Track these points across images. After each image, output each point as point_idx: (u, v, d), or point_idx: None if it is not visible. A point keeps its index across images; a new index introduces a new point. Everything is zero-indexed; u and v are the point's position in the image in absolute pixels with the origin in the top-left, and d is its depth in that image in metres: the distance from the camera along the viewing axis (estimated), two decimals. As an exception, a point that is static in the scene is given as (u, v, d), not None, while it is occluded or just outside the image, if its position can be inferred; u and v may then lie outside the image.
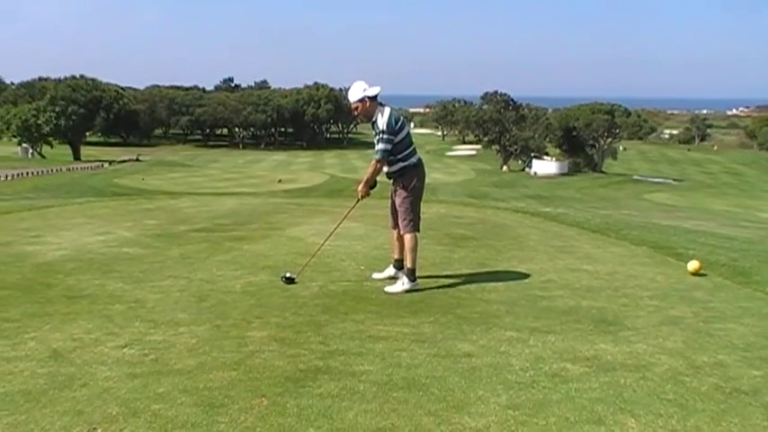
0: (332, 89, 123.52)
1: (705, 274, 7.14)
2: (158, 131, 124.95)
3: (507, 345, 4.75)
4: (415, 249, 6.35)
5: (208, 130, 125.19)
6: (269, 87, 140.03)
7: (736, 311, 5.80)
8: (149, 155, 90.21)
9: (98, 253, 7.78)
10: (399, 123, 6.21)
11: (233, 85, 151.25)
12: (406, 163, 6.31)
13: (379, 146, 6.20)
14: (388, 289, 6.28)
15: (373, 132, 6.30)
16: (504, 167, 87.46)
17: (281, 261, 7.39)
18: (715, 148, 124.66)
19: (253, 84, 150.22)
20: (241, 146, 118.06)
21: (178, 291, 6.12)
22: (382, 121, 6.18)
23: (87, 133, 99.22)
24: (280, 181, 52.37)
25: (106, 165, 72.11)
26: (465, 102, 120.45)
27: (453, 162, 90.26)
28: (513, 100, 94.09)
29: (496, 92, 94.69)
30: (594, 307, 5.81)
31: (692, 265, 7.17)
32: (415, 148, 6.40)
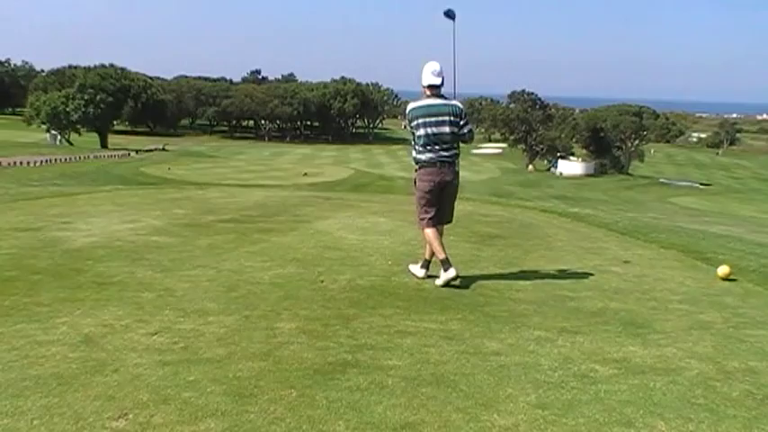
0: (358, 84, 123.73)
1: (735, 280, 7.07)
2: (185, 122, 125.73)
3: (536, 344, 4.73)
4: (431, 241, 6.43)
5: (234, 122, 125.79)
6: (296, 80, 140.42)
7: (767, 318, 5.73)
8: (175, 145, 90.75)
9: (127, 241, 7.85)
10: (417, 119, 6.29)
11: (260, 77, 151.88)
12: (416, 156, 6.41)
13: None
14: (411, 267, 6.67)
15: None
16: (530, 167, 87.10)
17: (308, 254, 7.41)
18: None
19: (280, 77, 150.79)
20: (266, 138, 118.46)
21: (207, 280, 6.16)
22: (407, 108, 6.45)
23: (115, 122, 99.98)
24: (305, 174, 52.52)
25: (133, 153, 72.60)
26: (492, 100, 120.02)
27: (479, 160, 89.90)
28: (540, 99, 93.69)
29: (524, 91, 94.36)
30: (623, 309, 5.77)
31: (722, 270, 7.10)
32: (434, 148, 6.30)
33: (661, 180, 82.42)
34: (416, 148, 6.37)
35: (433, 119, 6.26)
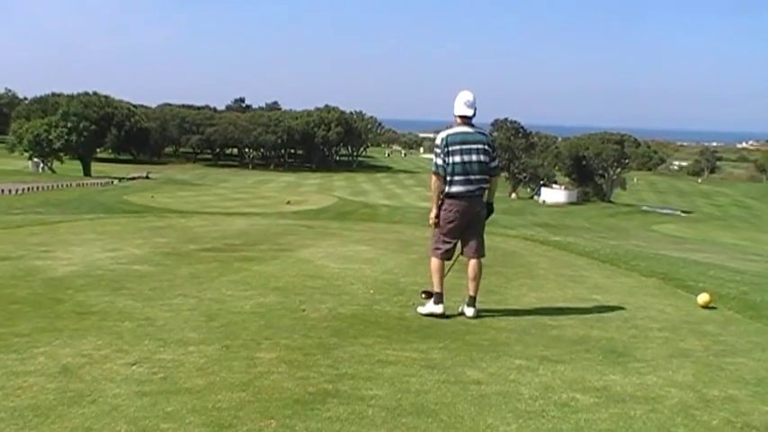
0: (342, 112, 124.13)
1: (715, 308, 7.10)
2: (168, 150, 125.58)
3: (517, 373, 4.73)
4: (433, 272, 6.34)
5: (218, 150, 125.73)
6: (280, 109, 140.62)
7: (747, 346, 5.76)
8: (159, 173, 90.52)
9: (108, 269, 7.81)
10: (451, 146, 6.13)
11: (244, 105, 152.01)
12: (446, 188, 6.19)
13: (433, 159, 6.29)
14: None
15: None
16: (513, 194, 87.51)
17: (290, 283, 7.40)
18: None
19: (264, 105, 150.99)
20: (250, 166, 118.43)
21: (188, 310, 6.13)
22: (439, 135, 6.27)
23: (98, 150, 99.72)
24: (289, 202, 52.49)
25: (116, 181, 72.39)
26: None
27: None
28: (523, 127, 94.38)
29: (507, 119, 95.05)
30: (604, 337, 5.79)
31: (702, 297, 7.14)
32: (468, 178, 6.14)
33: (643, 207, 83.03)
34: (446, 177, 6.15)
35: (467, 146, 6.15)
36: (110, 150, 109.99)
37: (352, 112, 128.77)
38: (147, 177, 79.93)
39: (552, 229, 45.40)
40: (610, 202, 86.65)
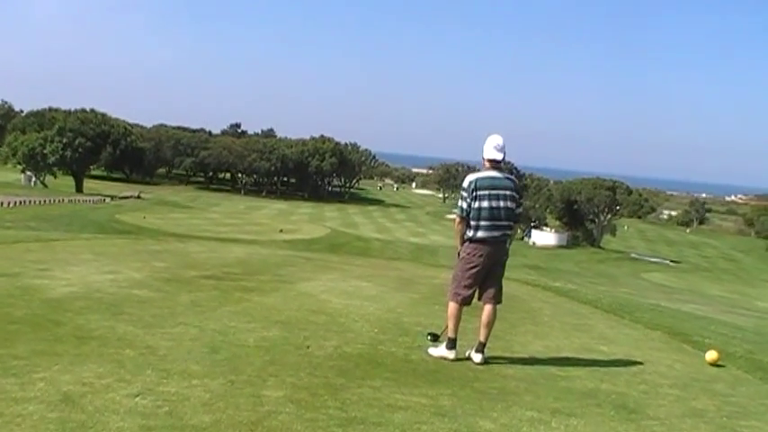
0: (337, 143, 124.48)
1: (723, 366, 7.01)
2: (161, 170, 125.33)
3: (529, 425, 4.61)
4: (450, 317, 6.20)
5: (211, 173, 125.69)
6: (275, 136, 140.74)
7: (759, 408, 5.67)
8: (151, 193, 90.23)
9: (107, 293, 7.66)
10: (480, 190, 6.00)
11: (240, 130, 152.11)
12: (470, 233, 6.10)
13: (458, 202, 6.16)
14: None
15: None
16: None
17: (293, 317, 7.26)
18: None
19: (260, 131, 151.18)
20: (243, 191, 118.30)
21: (190, 340, 5.98)
22: (467, 177, 6.14)
23: (91, 166, 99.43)
24: (281, 231, 52.40)
25: (108, 199, 72.11)
26: (468, 167, 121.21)
27: (454, 225, 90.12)
28: (516, 168, 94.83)
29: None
30: (614, 392, 5.68)
31: (711, 355, 7.05)
32: (495, 224, 6.04)
33: (632, 255, 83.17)
34: (472, 221, 6.05)
35: (496, 192, 6.04)
36: (103, 168, 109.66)
37: (347, 144, 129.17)
38: (138, 197, 79.61)
39: (542, 272, 45.41)
40: (599, 247, 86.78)
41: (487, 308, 6.23)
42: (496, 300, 6.27)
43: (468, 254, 6.12)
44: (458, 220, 6.17)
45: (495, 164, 6.16)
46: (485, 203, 6.01)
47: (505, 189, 6.10)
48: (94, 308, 6.81)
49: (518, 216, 6.26)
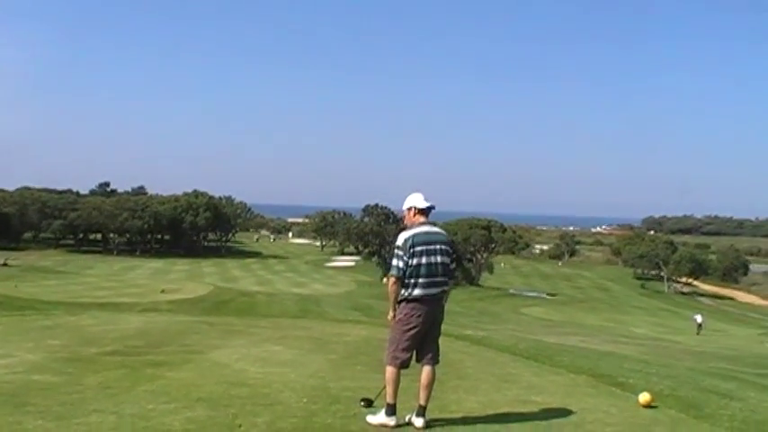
0: (211, 197, 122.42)
1: (656, 407, 7.03)
2: (28, 235, 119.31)
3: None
4: (389, 382, 5.92)
5: (81, 235, 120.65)
6: (146, 193, 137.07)
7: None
8: (18, 259, 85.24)
9: (3, 381, 7.04)
10: (416, 246, 5.81)
11: (109, 189, 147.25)
12: (405, 292, 5.88)
13: (392, 261, 5.89)
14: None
15: None
16: (385, 279, 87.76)
17: (214, 392, 6.84)
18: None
19: (130, 189, 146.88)
20: (115, 252, 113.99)
21: (110, 430, 5.53)
22: (401, 235, 5.91)
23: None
24: (163, 291, 50.57)
25: (-30, 269, 67.74)
26: (344, 213, 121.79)
27: (333, 273, 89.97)
28: (393, 213, 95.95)
29: (377, 204, 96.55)
30: (562, 445, 5.63)
31: (644, 397, 7.03)
32: (432, 282, 5.85)
33: (510, 291, 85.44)
34: (408, 279, 5.82)
35: (432, 247, 5.88)
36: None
37: (221, 197, 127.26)
38: (5, 264, 75.16)
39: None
40: (478, 285, 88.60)
41: (426, 369, 6.03)
42: (435, 360, 6.10)
43: (406, 314, 5.90)
44: (392, 280, 5.91)
45: (425, 213, 6.05)
46: (423, 260, 5.83)
47: (440, 243, 5.98)
48: (-5, 401, 6.22)
49: (453, 272, 6.14)
